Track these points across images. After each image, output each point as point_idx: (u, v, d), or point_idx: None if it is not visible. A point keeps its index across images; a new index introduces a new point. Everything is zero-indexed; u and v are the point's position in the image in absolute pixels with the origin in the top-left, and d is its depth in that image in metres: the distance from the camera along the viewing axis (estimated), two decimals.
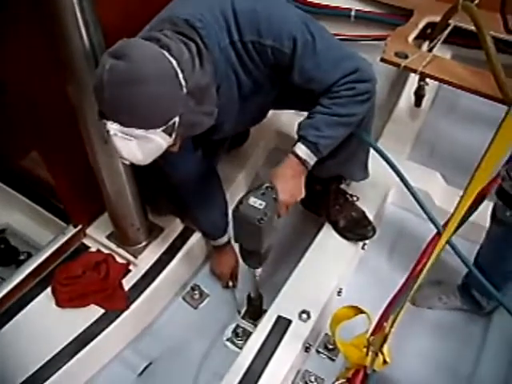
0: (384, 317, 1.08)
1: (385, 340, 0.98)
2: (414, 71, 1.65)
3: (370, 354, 1.05)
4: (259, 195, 1.18)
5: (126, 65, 0.93)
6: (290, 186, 1.25)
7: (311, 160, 1.25)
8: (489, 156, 0.55)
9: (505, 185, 1.23)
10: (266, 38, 1.12)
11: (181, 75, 0.98)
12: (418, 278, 0.88)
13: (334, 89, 1.20)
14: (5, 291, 1.53)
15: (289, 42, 1.13)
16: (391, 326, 1.00)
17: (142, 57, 0.95)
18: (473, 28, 1.50)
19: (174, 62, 0.97)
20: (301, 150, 1.24)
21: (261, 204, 1.15)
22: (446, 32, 1.71)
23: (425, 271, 0.80)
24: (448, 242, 1.37)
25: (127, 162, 1.03)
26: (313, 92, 1.24)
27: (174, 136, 1.01)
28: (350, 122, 1.26)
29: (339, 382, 1.22)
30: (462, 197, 0.63)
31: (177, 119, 0.99)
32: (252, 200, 1.16)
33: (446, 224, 1.42)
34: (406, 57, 1.67)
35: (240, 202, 1.18)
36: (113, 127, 0.96)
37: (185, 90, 0.99)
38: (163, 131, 0.98)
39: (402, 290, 1.17)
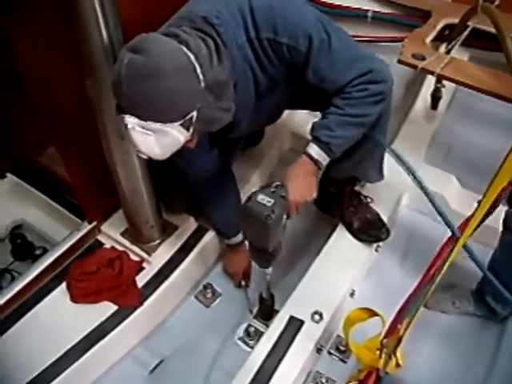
0: (397, 319, 1.07)
1: (399, 343, 0.97)
2: (432, 73, 1.63)
3: (383, 356, 1.04)
4: (269, 193, 1.17)
5: (144, 59, 0.94)
6: (302, 185, 1.25)
7: (324, 160, 1.25)
8: (510, 159, 0.54)
9: None
10: (282, 35, 1.13)
11: (199, 70, 0.98)
12: (433, 282, 0.87)
13: (346, 89, 1.20)
14: (21, 285, 1.55)
15: (304, 41, 1.14)
16: (406, 329, 1.00)
17: (160, 51, 0.96)
18: (491, 30, 1.48)
19: (192, 57, 0.98)
20: (313, 150, 1.24)
21: (269, 201, 1.15)
22: (465, 34, 1.69)
23: (440, 275, 0.80)
24: (465, 246, 1.36)
25: (145, 157, 1.04)
26: (326, 92, 1.23)
27: (191, 131, 1.01)
28: (363, 123, 1.26)
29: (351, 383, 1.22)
30: (481, 200, 0.62)
31: (195, 113, 0.99)
32: (260, 197, 1.16)
33: (460, 228, 1.41)
34: (424, 58, 1.65)
35: (249, 198, 1.18)
36: (131, 121, 0.97)
37: (203, 84, 0.99)
38: (181, 125, 0.98)
39: (415, 292, 1.16)
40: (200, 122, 1.02)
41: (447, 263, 0.78)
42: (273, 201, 1.15)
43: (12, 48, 1.26)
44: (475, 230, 1.49)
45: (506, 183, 0.57)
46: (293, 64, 1.19)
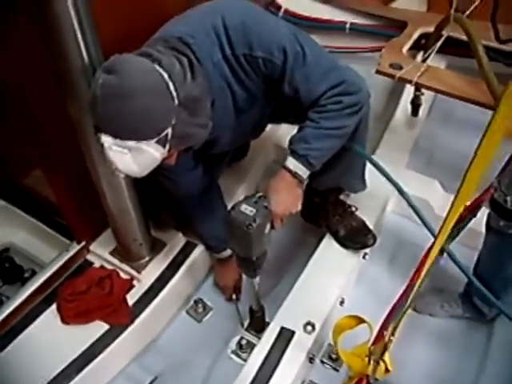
0: (384, 326, 1.09)
1: (385, 348, 0.99)
2: (409, 82, 1.67)
3: (372, 362, 1.06)
4: (251, 203, 1.20)
5: (117, 79, 0.96)
6: (285, 198, 1.26)
7: (303, 173, 1.27)
8: (477, 161, 0.56)
9: (496, 195, 1.25)
10: (257, 50, 1.15)
11: (172, 87, 1.00)
12: (414, 286, 0.89)
13: (321, 102, 1.21)
14: (10, 309, 1.54)
15: (279, 53, 1.16)
16: (392, 335, 1.01)
17: (132, 71, 0.98)
18: (465, 38, 1.53)
19: (165, 75, 1.00)
20: (291, 163, 1.26)
21: (251, 211, 1.17)
22: (439, 43, 1.73)
23: (420, 279, 0.82)
24: (445, 251, 1.38)
25: (122, 175, 1.05)
26: (302, 105, 1.25)
27: (167, 147, 1.03)
28: (340, 135, 1.28)
29: None
30: (452, 203, 0.64)
31: (169, 130, 1.01)
32: (243, 207, 1.19)
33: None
34: (401, 68, 1.69)
35: (232, 208, 1.20)
36: (107, 140, 0.98)
37: (176, 101, 1.01)
38: (156, 142, 1.00)
39: (402, 298, 1.18)
40: (176, 139, 1.03)
41: (426, 267, 0.80)
42: (255, 210, 1.18)
43: None
44: (459, 233, 1.52)
45: (475, 184, 0.59)
46: (269, 77, 1.21)
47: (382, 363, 1.04)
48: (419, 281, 0.81)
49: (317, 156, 1.26)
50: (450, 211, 0.63)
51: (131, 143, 0.98)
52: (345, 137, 1.31)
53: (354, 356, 1.12)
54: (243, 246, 1.24)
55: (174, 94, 1.01)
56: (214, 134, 1.19)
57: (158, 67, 1.01)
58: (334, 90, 1.21)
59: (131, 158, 1.00)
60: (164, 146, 1.02)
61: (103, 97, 0.97)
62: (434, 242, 1.37)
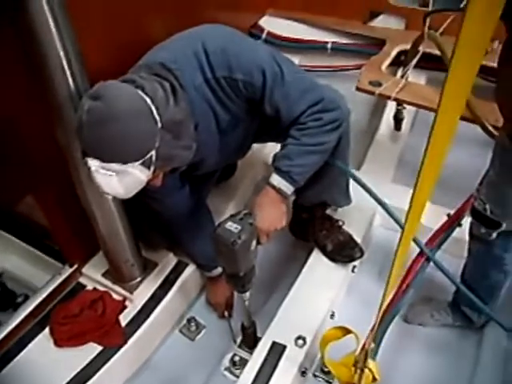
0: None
1: (366, 355, 1.01)
2: (388, 98, 1.72)
3: (357, 371, 1.08)
4: (236, 220, 1.24)
5: (102, 105, 1.01)
6: (270, 214, 1.30)
7: (287, 189, 1.30)
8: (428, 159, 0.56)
9: (476, 203, 1.29)
10: (237, 72, 1.20)
11: (155, 111, 1.04)
12: (387, 291, 0.92)
13: (301, 120, 1.26)
14: (4, 334, 1.55)
15: (258, 75, 1.21)
16: (377, 343, 1.04)
17: (116, 96, 1.02)
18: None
19: (148, 100, 1.04)
20: (275, 179, 1.30)
21: (236, 228, 1.21)
22: (415, 59, 1.79)
23: (391, 280, 0.85)
24: (431, 260, 1.42)
25: (110, 197, 1.09)
26: (283, 123, 1.29)
27: (152, 169, 1.07)
28: (321, 151, 1.32)
29: None
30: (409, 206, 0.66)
31: (154, 152, 1.05)
32: (228, 224, 1.22)
33: (429, 242, 1.47)
34: (380, 84, 1.74)
35: (218, 225, 1.24)
36: (93, 163, 1.02)
37: (159, 124, 1.05)
38: (141, 164, 1.04)
39: (388, 308, 1.21)
40: (160, 160, 1.07)
41: (396, 260, 0.83)
42: (240, 227, 1.21)
43: None
44: (444, 241, 1.56)
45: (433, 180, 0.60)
46: (251, 98, 1.26)
47: (368, 372, 1.06)
48: (389, 283, 0.83)
49: (299, 172, 1.30)
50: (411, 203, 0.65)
51: (117, 166, 1.02)
52: (326, 153, 1.35)
53: (341, 366, 1.14)
54: (230, 262, 1.27)
55: (157, 117, 1.05)
56: (198, 156, 1.23)
57: (141, 93, 1.05)
58: (314, 107, 1.25)
59: (117, 180, 1.03)
60: (149, 168, 1.06)
61: (89, 122, 1.01)
62: (420, 252, 1.41)
